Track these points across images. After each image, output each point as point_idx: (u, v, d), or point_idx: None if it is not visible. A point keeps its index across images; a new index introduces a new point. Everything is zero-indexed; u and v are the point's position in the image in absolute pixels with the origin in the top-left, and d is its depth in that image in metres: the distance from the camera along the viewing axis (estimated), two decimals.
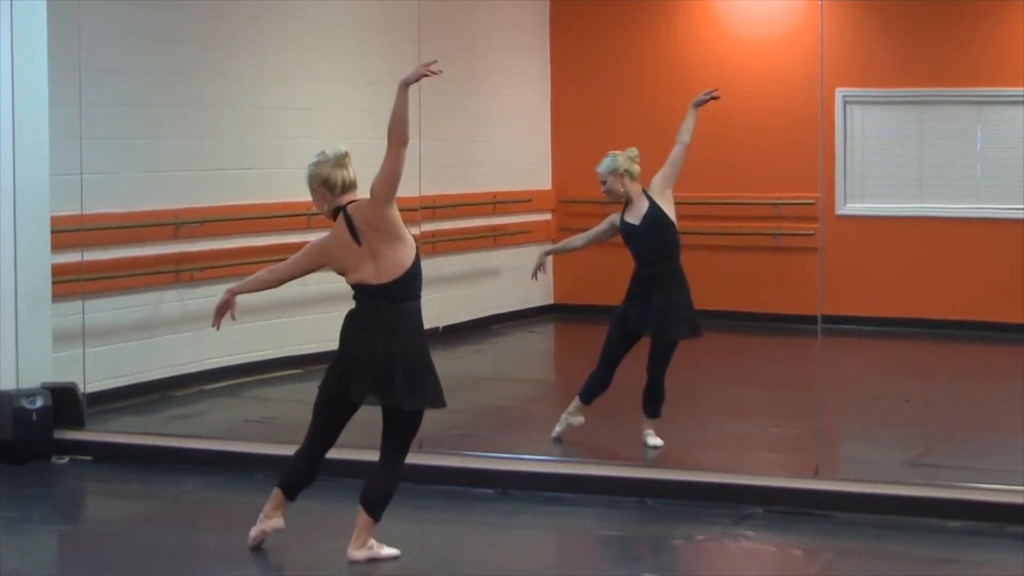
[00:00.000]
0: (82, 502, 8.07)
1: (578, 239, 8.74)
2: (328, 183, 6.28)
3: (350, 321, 6.35)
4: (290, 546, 6.75)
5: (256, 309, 10.69)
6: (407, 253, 6.25)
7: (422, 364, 6.31)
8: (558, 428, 8.52)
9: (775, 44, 13.39)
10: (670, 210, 8.32)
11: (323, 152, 6.34)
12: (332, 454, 6.50)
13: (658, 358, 8.36)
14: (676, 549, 6.90)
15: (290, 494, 6.51)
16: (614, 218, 8.47)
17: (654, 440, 8.36)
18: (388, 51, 11.57)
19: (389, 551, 6.46)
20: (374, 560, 6.40)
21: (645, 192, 8.34)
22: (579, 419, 8.49)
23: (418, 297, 6.35)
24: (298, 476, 6.48)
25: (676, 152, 8.39)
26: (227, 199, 10.45)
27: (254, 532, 6.57)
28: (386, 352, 6.22)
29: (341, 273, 6.36)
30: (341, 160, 6.31)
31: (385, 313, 6.24)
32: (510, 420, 9.67)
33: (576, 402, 8.50)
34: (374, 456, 6.45)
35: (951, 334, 12.82)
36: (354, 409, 6.39)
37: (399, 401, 6.25)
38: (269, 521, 6.53)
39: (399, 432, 6.38)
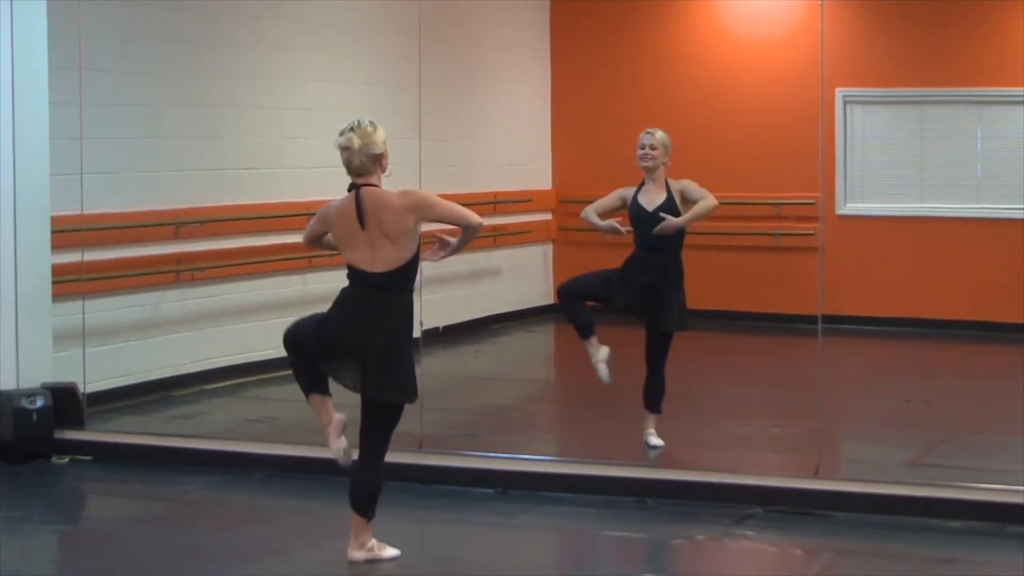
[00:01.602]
0: (82, 502, 8.07)
1: (593, 216, 8.45)
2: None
3: (340, 301, 6.31)
4: (290, 546, 6.75)
5: (256, 309, 10.72)
6: (409, 251, 6.24)
7: (401, 357, 6.24)
8: (658, 440, 8.43)
9: (775, 44, 13.40)
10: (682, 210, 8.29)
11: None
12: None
13: (656, 350, 8.35)
14: (676, 549, 6.90)
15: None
16: (625, 193, 8.39)
17: (655, 440, 8.35)
18: (388, 51, 11.57)
19: (390, 551, 6.45)
20: (374, 560, 6.40)
21: (667, 182, 8.32)
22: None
23: (410, 291, 6.32)
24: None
25: (708, 204, 8.30)
26: (227, 199, 10.45)
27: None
28: (366, 341, 6.18)
29: (338, 246, 6.34)
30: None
31: (374, 302, 6.21)
32: (510, 420, 9.67)
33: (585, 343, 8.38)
34: None
35: (951, 334, 12.82)
36: (363, 396, 6.31)
37: (371, 392, 6.20)
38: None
39: (376, 425, 6.30)
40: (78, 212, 8.98)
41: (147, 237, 9.85)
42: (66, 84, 8.88)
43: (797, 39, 13.13)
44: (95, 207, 9.22)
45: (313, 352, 6.31)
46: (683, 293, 8.34)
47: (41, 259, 8.68)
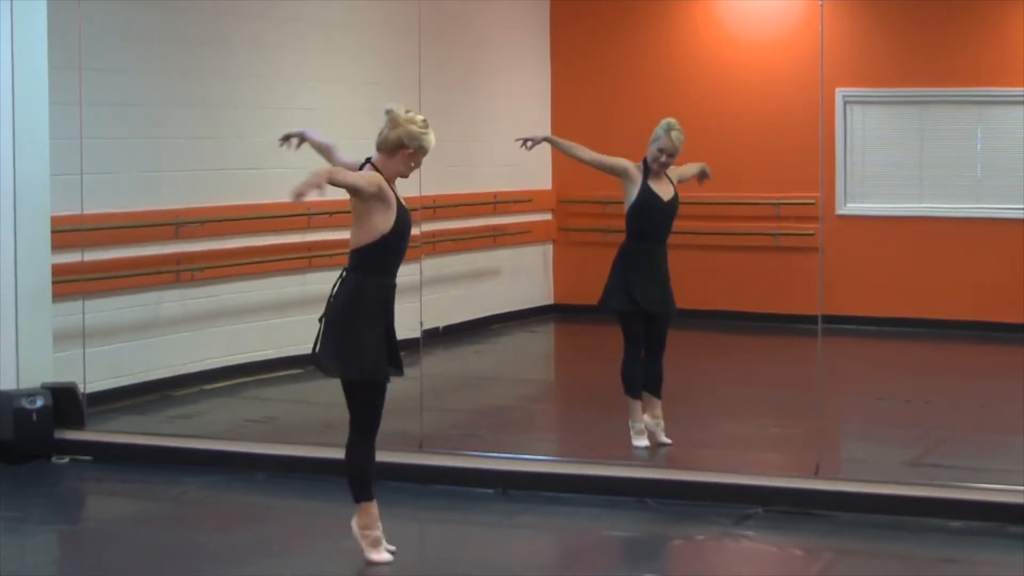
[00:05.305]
0: (82, 502, 8.07)
1: (583, 152, 8.45)
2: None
3: None
4: (290, 546, 6.75)
5: (256, 309, 10.71)
6: (371, 234, 6.22)
7: (347, 331, 6.22)
8: (644, 442, 8.33)
9: (775, 44, 13.40)
10: None
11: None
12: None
13: (659, 336, 8.35)
14: (676, 549, 6.90)
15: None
16: (630, 168, 8.33)
17: (663, 437, 8.31)
18: (388, 51, 11.57)
19: (378, 555, 6.33)
20: (359, 546, 6.34)
21: (668, 175, 8.34)
22: (645, 421, 8.39)
23: (358, 268, 6.27)
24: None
25: (692, 171, 8.44)
26: (227, 199, 10.45)
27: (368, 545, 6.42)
28: (328, 314, 6.28)
29: None
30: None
31: (343, 279, 6.31)
32: (510, 420, 9.67)
33: (631, 404, 8.36)
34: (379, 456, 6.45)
35: (951, 334, 12.82)
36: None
37: (324, 367, 6.29)
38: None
39: (348, 406, 6.34)
40: (78, 212, 8.98)
41: (147, 237, 9.85)
42: (66, 84, 8.88)
43: (797, 39, 13.13)
44: (95, 207, 9.22)
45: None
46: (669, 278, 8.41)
47: (41, 259, 8.69)
